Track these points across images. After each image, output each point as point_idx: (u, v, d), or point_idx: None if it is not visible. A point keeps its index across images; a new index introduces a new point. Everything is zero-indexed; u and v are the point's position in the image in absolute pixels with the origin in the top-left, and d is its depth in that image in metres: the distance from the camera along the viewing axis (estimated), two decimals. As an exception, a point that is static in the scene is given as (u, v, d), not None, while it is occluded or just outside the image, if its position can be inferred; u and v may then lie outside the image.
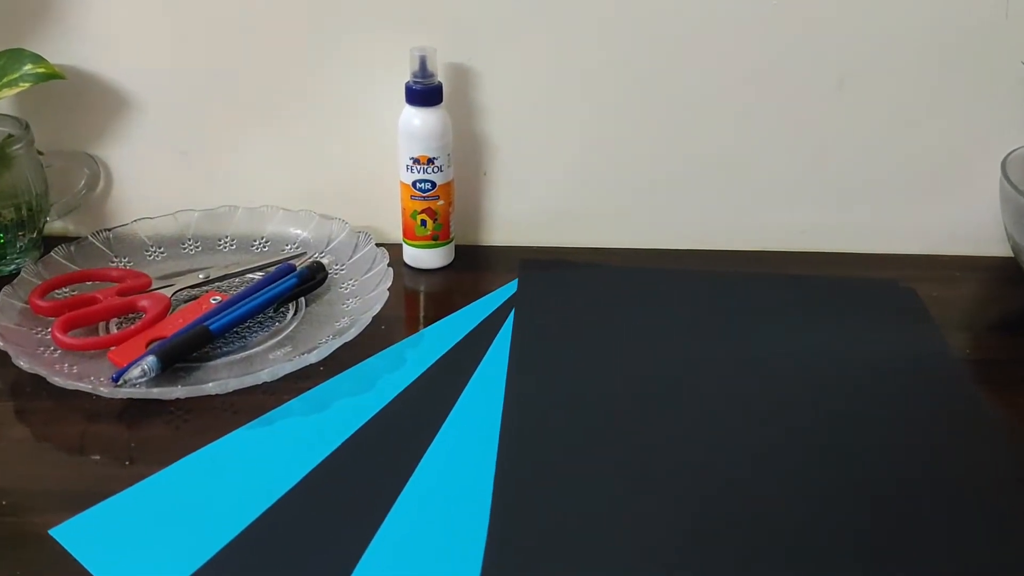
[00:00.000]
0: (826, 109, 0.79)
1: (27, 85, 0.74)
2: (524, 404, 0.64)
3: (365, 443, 0.61)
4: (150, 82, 0.80)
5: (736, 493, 0.57)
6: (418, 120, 0.75)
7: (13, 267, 0.78)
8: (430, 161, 0.76)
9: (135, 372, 0.63)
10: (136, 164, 0.83)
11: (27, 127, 0.77)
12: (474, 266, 0.82)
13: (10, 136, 0.76)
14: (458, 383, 0.66)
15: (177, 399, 0.63)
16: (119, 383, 0.62)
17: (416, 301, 0.79)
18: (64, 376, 0.62)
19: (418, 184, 0.77)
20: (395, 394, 0.65)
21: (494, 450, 0.60)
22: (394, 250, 0.79)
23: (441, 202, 0.78)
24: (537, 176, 0.83)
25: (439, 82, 0.75)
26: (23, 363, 0.63)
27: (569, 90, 0.79)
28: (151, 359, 0.63)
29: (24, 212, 0.77)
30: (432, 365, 0.68)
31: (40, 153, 0.79)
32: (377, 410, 0.63)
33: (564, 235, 0.85)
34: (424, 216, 0.79)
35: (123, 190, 0.84)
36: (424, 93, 0.75)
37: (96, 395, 0.62)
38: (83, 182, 0.83)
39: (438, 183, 0.77)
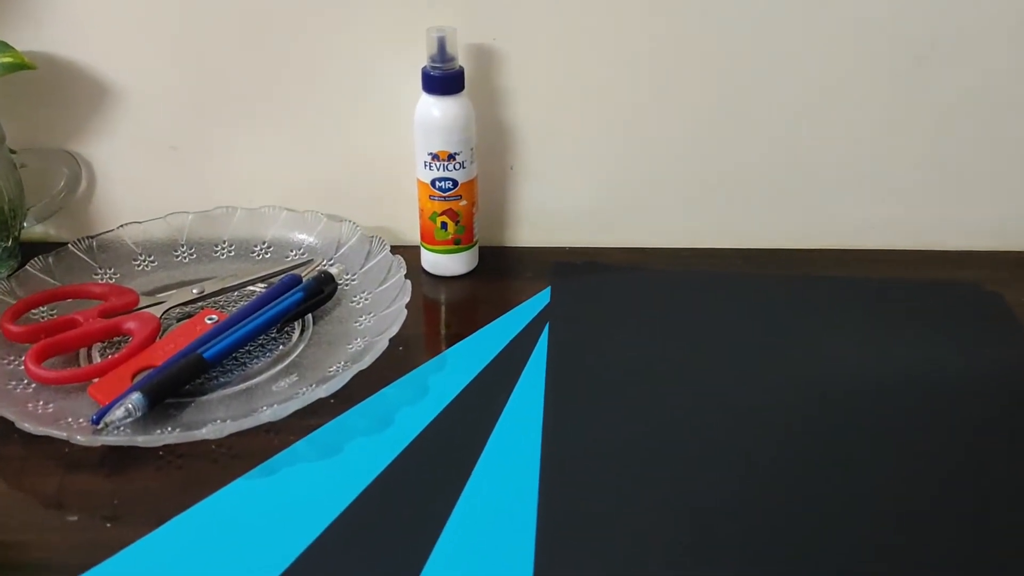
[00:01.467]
0: (901, 87, 0.72)
1: (-7, 77, 0.69)
2: (565, 438, 0.58)
3: (386, 492, 0.54)
4: (134, 69, 0.74)
5: (806, 524, 0.52)
6: (437, 110, 0.69)
7: (-15, 280, 0.71)
8: (451, 157, 0.69)
9: (118, 413, 0.56)
10: (121, 162, 0.78)
11: (-4, 124, 0.72)
12: (501, 271, 0.76)
13: (-23, 134, 0.71)
14: (490, 415, 0.60)
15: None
16: (99, 427, 0.55)
17: (437, 315, 0.73)
18: (36, 420, 0.56)
19: (437, 183, 0.70)
20: (418, 431, 0.58)
21: (534, 496, 0.54)
22: (411, 253, 0.73)
23: (464, 202, 0.71)
24: (570, 170, 0.77)
25: (460, 67, 0.69)
26: (-10, 403, 0.57)
27: (606, 74, 0.73)
28: (136, 396, 0.56)
29: (-5, 219, 0.71)
30: (459, 394, 0.61)
31: (13, 152, 0.74)
32: (398, 451, 0.57)
33: (599, 234, 0.79)
34: (444, 218, 0.71)
35: (107, 191, 0.79)
36: (443, 80, 0.68)
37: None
38: (62, 183, 0.77)
39: (460, 181, 0.70)
